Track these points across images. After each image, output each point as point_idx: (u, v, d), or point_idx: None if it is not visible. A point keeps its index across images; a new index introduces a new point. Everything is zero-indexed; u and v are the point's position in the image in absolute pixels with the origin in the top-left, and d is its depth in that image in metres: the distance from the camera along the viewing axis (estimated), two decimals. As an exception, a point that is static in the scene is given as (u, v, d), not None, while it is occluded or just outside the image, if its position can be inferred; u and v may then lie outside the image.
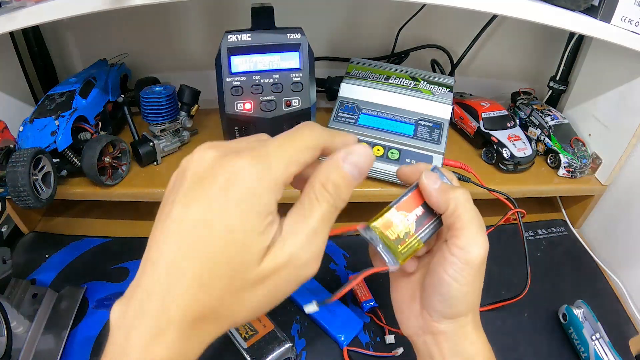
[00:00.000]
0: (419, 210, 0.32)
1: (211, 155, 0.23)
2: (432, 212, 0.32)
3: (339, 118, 0.62)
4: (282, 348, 0.48)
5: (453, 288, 0.30)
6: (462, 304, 0.31)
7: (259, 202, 0.22)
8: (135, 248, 0.62)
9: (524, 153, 0.63)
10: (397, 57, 0.78)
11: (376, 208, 0.35)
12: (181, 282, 0.21)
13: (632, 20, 0.48)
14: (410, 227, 0.32)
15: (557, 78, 0.74)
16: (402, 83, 0.64)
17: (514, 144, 0.63)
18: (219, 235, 0.21)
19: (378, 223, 0.31)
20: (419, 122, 0.61)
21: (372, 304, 0.54)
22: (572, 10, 0.48)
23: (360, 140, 0.61)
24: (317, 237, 0.24)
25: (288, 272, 0.23)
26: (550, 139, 0.66)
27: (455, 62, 0.77)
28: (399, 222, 0.32)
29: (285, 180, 0.23)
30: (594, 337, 0.50)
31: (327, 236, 0.25)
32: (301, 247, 0.23)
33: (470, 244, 0.29)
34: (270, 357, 0.47)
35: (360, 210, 0.70)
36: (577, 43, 0.70)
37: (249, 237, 0.21)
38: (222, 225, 0.21)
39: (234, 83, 0.50)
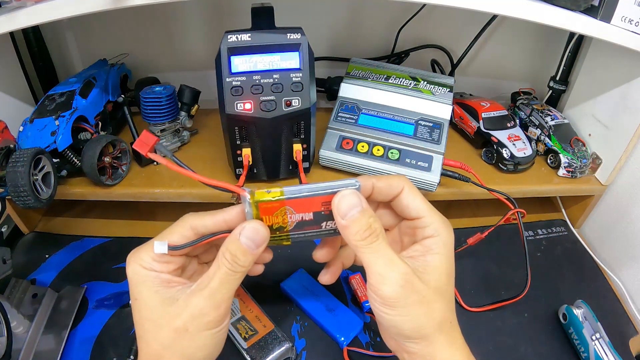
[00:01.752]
0: (308, 216, 0.30)
1: None
2: (321, 223, 0.31)
3: (339, 118, 0.62)
4: (282, 348, 0.48)
5: (386, 319, 0.29)
6: (407, 330, 0.30)
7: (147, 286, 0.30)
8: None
9: (524, 153, 0.63)
10: (397, 57, 0.78)
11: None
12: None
13: (632, 20, 0.48)
14: (288, 225, 0.31)
15: (557, 78, 0.74)
16: (402, 83, 0.64)
17: (514, 144, 0.63)
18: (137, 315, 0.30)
19: (261, 205, 0.29)
20: (419, 122, 0.61)
21: (372, 304, 0.54)
22: (572, 10, 0.48)
23: (360, 141, 0.61)
24: (219, 293, 0.29)
25: (196, 320, 0.29)
26: (550, 139, 0.66)
27: (455, 62, 0.77)
28: (281, 217, 0.30)
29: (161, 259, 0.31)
30: (594, 337, 0.50)
31: (231, 291, 0.30)
32: (204, 300, 0.29)
33: (379, 282, 0.29)
34: (270, 357, 0.47)
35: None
36: (577, 43, 0.70)
37: (153, 311, 0.30)
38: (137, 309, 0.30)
39: (234, 83, 0.50)
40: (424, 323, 0.29)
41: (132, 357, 0.47)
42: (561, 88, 0.74)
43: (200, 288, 0.29)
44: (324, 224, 0.31)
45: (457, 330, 0.32)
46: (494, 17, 0.70)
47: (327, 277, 0.37)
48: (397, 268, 0.29)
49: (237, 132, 0.53)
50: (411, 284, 0.29)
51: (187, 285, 0.31)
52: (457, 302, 0.56)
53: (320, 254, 0.36)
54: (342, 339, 0.50)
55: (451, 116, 0.63)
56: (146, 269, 0.30)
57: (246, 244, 0.29)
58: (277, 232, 0.31)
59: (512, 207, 0.55)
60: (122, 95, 0.68)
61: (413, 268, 0.30)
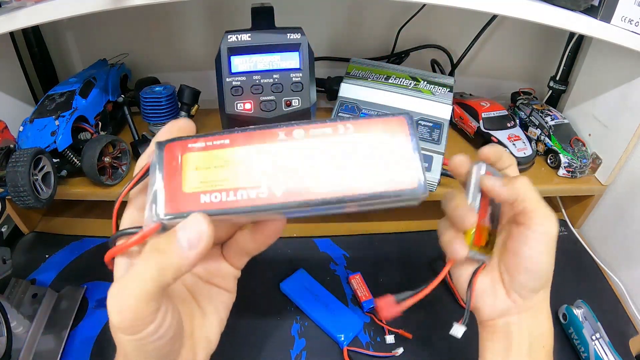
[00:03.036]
0: (490, 209, 0.33)
1: None
2: (491, 202, 0.34)
3: (339, 118, 0.62)
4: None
5: (542, 261, 0.33)
6: (548, 274, 0.34)
7: None
8: (135, 248, 0.62)
9: (524, 153, 0.63)
10: (397, 57, 0.78)
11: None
12: None
13: (632, 20, 0.48)
14: (489, 226, 0.34)
15: (557, 78, 0.74)
16: (402, 83, 0.64)
17: (514, 144, 0.63)
18: None
19: (474, 246, 0.32)
20: (419, 122, 0.61)
21: (372, 304, 0.54)
22: (572, 10, 0.48)
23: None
24: (130, 288, 0.24)
25: (125, 328, 0.24)
26: (550, 139, 0.66)
27: (455, 62, 0.77)
28: (483, 230, 0.33)
29: None
30: (594, 337, 0.50)
31: (150, 292, 0.23)
32: (108, 303, 0.24)
33: (546, 220, 0.32)
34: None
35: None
36: (577, 43, 0.70)
37: None
38: None
39: (234, 83, 0.50)
40: (551, 267, 0.34)
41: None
42: (561, 88, 0.74)
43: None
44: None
45: None
46: (494, 17, 0.70)
47: (464, 248, 0.34)
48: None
49: (237, 132, 0.53)
50: None
51: None
52: (457, 301, 0.56)
53: (473, 218, 0.33)
54: (342, 338, 0.50)
55: (451, 116, 0.63)
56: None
57: (180, 239, 0.23)
58: (489, 236, 0.34)
59: (512, 207, 0.55)
60: (122, 95, 0.68)
61: None
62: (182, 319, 0.28)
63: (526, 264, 0.33)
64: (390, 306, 0.34)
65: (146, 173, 0.25)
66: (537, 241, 0.32)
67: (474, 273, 0.34)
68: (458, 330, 0.33)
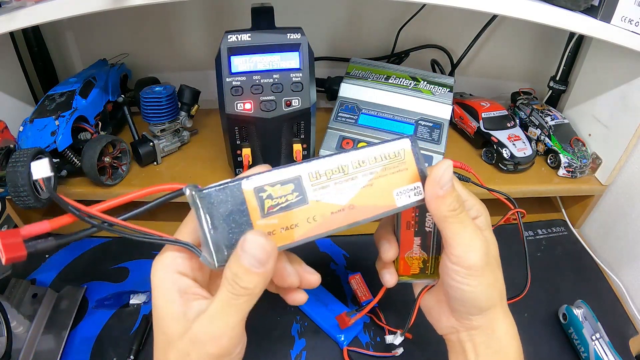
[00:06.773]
0: (418, 240, 0.34)
1: None
2: (426, 230, 0.34)
3: (339, 118, 0.62)
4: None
5: (466, 292, 0.30)
6: (483, 301, 0.31)
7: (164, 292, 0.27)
8: (135, 248, 0.62)
9: (524, 153, 0.63)
10: (397, 57, 0.78)
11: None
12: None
13: (632, 20, 0.48)
14: (422, 255, 0.34)
15: (557, 78, 0.74)
16: (402, 83, 0.64)
17: (514, 144, 0.63)
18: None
19: (402, 275, 0.35)
20: (419, 122, 0.61)
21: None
22: (572, 10, 0.48)
23: (360, 140, 0.61)
24: (218, 320, 0.25)
25: (196, 348, 0.25)
26: (550, 139, 0.66)
27: (455, 62, 0.77)
28: (413, 260, 0.34)
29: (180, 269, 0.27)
30: (594, 337, 0.50)
31: (235, 319, 0.25)
32: (203, 327, 0.25)
33: (466, 251, 0.29)
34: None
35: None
36: (577, 43, 0.70)
37: (165, 321, 0.26)
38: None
39: (234, 83, 0.50)
40: (493, 292, 0.31)
41: (132, 357, 0.48)
42: (561, 88, 0.74)
43: (203, 311, 0.26)
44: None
45: (506, 301, 0.34)
46: (494, 17, 0.70)
47: (393, 278, 0.36)
48: (480, 237, 0.30)
49: (237, 132, 0.53)
50: (487, 252, 0.30)
51: (207, 300, 0.27)
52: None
53: (392, 252, 0.35)
54: (342, 338, 0.50)
55: (451, 116, 0.63)
56: (164, 271, 0.27)
57: (246, 260, 0.24)
58: (428, 264, 0.35)
59: (512, 207, 0.55)
60: (122, 95, 0.68)
61: None
62: None
63: (454, 293, 0.31)
64: (344, 319, 0.47)
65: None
66: (457, 273, 0.30)
67: (420, 292, 0.36)
68: (397, 339, 0.39)
